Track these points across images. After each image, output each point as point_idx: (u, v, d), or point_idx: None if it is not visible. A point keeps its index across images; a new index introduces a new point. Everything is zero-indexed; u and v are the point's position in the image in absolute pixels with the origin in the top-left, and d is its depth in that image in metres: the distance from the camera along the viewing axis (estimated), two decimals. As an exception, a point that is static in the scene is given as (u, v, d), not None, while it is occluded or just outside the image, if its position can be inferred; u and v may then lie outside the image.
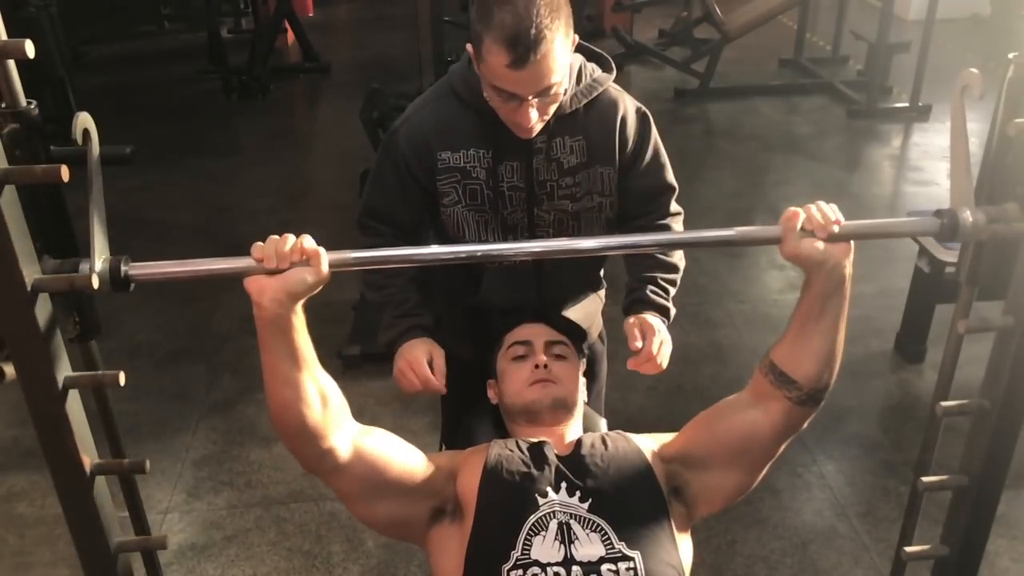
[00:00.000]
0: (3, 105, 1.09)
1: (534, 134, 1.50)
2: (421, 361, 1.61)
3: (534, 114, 1.43)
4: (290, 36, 6.79)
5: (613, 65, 1.63)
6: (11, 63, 1.08)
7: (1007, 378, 1.32)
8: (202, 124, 5.74)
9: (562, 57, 1.39)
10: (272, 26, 6.28)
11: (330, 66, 6.53)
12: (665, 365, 1.58)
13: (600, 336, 1.89)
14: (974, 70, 1.24)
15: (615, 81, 1.62)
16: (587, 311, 1.79)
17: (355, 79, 6.23)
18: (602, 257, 1.76)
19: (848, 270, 1.23)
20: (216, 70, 6.18)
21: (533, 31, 1.32)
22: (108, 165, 1.16)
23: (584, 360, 1.65)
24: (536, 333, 1.58)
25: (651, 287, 1.67)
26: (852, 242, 1.23)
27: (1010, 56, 1.25)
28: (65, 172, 1.02)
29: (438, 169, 1.58)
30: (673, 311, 1.68)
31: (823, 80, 5.98)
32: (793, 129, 5.49)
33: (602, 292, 1.85)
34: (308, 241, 1.14)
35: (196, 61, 6.47)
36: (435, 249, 1.36)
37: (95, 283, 1.08)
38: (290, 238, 1.14)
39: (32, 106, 1.11)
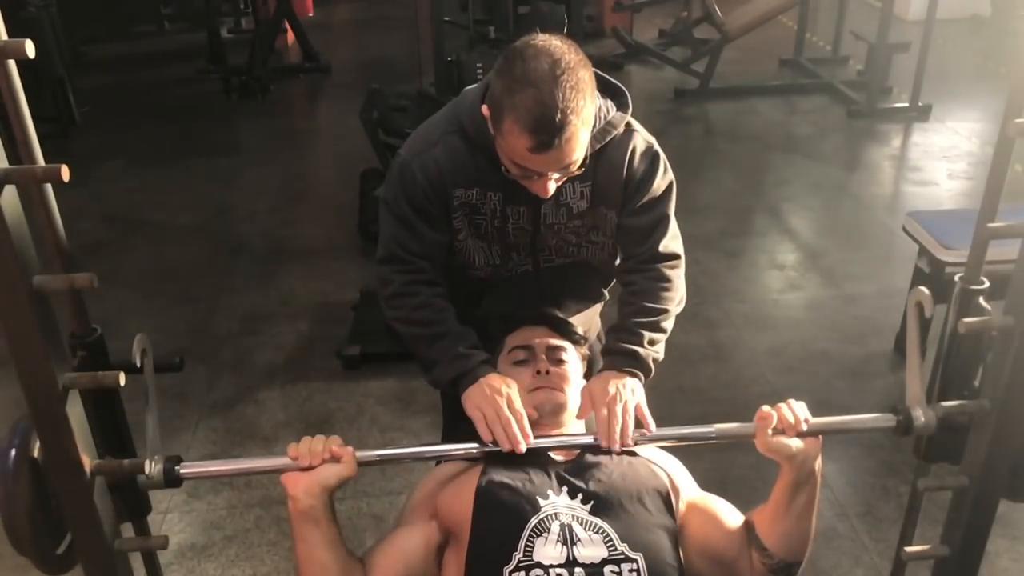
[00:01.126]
0: (71, 335, 1.30)
1: (550, 195, 1.46)
2: (511, 396, 1.44)
3: (552, 186, 1.41)
4: (290, 36, 6.79)
5: (629, 101, 1.55)
6: (11, 63, 1.08)
7: (1007, 378, 1.32)
8: (202, 124, 5.74)
9: (585, 136, 1.35)
10: (272, 26, 6.28)
11: (330, 66, 6.53)
12: (648, 424, 1.44)
13: (599, 337, 1.89)
14: (924, 289, 1.42)
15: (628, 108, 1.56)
16: (587, 314, 1.80)
17: (355, 79, 6.23)
18: (602, 271, 1.72)
19: (817, 464, 1.34)
20: (216, 70, 6.18)
21: (558, 116, 1.27)
22: (161, 372, 1.40)
23: (586, 363, 1.65)
24: (537, 337, 1.58)
25: (624, 335, 1.54)
26: (820, 438, 1.35)
27: (956, 279, 1.43)
28: (65, 172, 1.03)
29: (452, 206, 1.55)
30: (650, 356, 1.53)
31: (823, 80, 5.98)
32: (793, 129, 5.49)
33: (604, 292, 1.85)
34: (337, 442, 1.30)
35: (196, 61, 6.47)
36: (446, 447, 1.48)
37: (148, 475, 1.30)
38: (321, 439, 1.30)
39: (97, 334, 1.33)
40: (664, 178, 1.58)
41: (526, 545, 1.26)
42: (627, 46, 6.47)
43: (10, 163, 1.04)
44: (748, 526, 1.38)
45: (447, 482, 1.42)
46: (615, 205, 1.58)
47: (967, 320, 1.34)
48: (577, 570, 1.23)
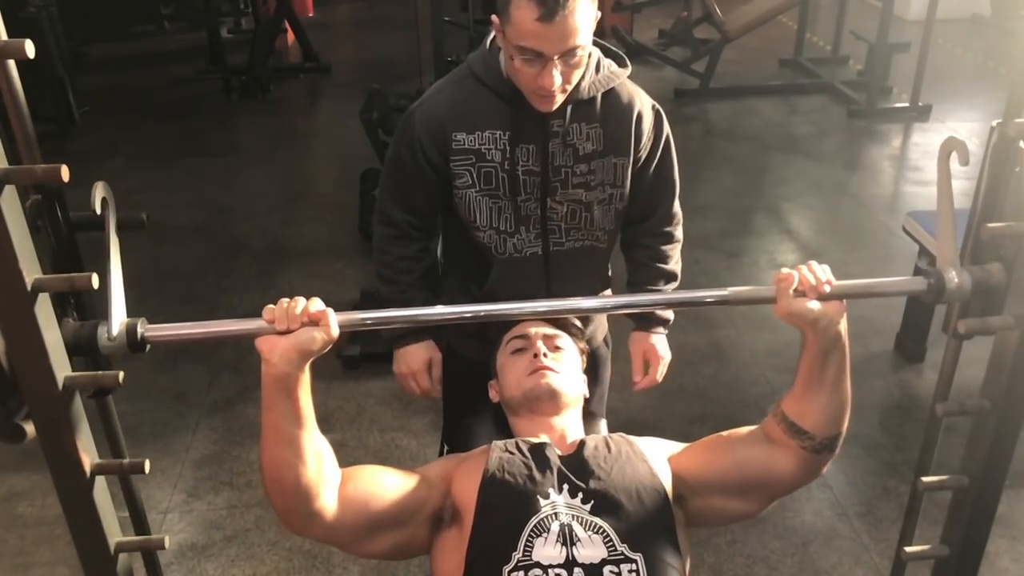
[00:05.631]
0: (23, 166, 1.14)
1: (555, 104, 1.51)
2: (421, 372, 1.78)
3: (557, 77, 1.43)
4: (290, 36, 6.79)
5: (628, 63, 1.65)
6: (11, 63, 1.08)
7: (1007, 378, 1.32)
8: (202, 124, 5.74)
9: (587, 18, 1.41)
10: (272, 26, 6.28)
11: (330, 66, 6.53)
12: (661, 378, 1.85)
13: (605, 340, 1.90)
14: (959, 137, 1.28)
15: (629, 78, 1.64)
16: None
17: (355, 79, 6.24)
18: (608, 251, 1.77)
19: (843, 327, 1.27)
20: (216, 70, 6.18)
21: None
22: (124, 230, 1.24)
23: (585, 357, 1.65)
24: (535, 328, 1.58)
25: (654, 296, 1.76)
26: (845, 301, 1.27)
27: (993, 123, 1.29)
28: (65, 172, 1.03)
29: (452, 151, 1.59)
30: (671, 314, 1.85)
31: (823, 80, 5.98)
32: (793, 129, 5.49)
33: (608, 292, 1.85)
34: (317, 303, 1.19)
35: (196, 61, 6.47)
36: (440, 309, 1.41)
37: (109, 337, 1.17)
38: (300, 300, 1.19)
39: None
40: (669, 133, 1.70)
41: (525, 545, 1.25)
42: (627, 46, 6.47)
43: (10, 163, 1.04)
44: (777, 417, 1.34)
45: (462, 461, 1.42)
46: (626, 153, 1.63)
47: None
48: (576, 570, 1.23)
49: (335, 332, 1.18)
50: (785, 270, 1.26)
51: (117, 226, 1.22)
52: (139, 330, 1.19)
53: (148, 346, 1.20)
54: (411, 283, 1.73)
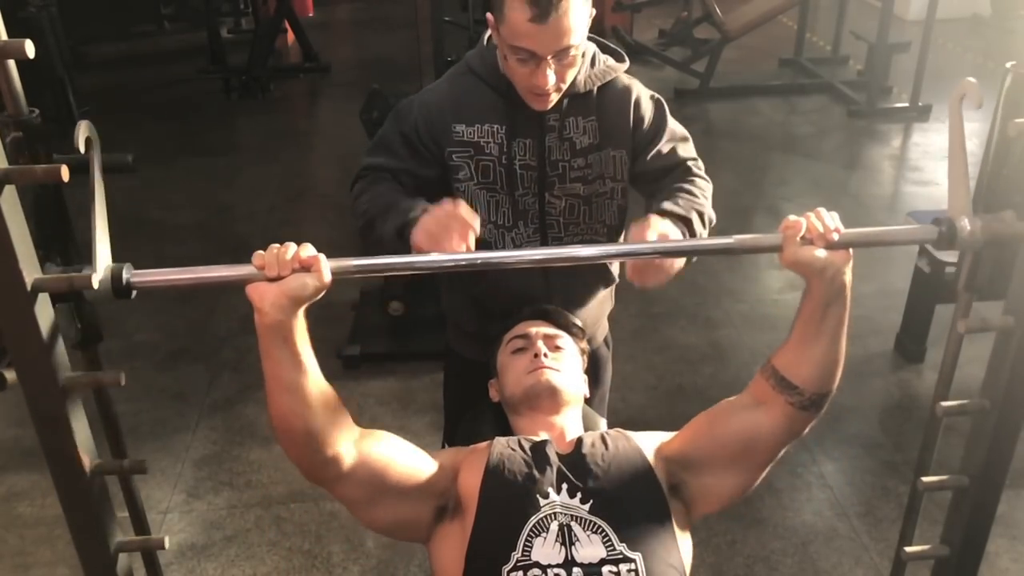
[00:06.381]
0: (6, 113, 1.11)
1: (550, 103, 1.51)
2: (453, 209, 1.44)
3: (551, 76, 1.44)
4: (290, 36, 6.78)
5: (626, 58, 1.65)
6: (11, 63, 1.08)
7: (1007, 378, 1.32)
8: (202, 124, 5.74)
9: (581, 18, 1.41)
10: (272, 26, 6.28)
11: (330, 66, 6.53)
12: (678, 267, 1.43)
13: (605, 340, 1.89)
14: (972, 79, 1.25)
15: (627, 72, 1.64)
16: (594, 314, 1.79)
17: (355, 79, 6.24)
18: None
19: (848, 277, 1.24)
20: (216, 70, 6.18)
21: None
22: (110, 172, 1.17)
23: (585, 358, 1.65)
24: (535, 327, 1.58)
25: (664, 199, 1.56)
26: (851, 250, 1.24)
27: (1008, 65, 1.26)
28: (65, 172, 1.03)
29: (452, 141, 1.59)
30: (688, 216, 1.52)
31: (823, 80, 5.98)
32: (793, 129, 5.49)
33: (611, 290, 1.83)
34: (308, 249, 1.15)
35: (196, 61, 6.47)
36: (434, 257, 1.34)
37: (95, 284, 1.09)
38: (291, 246, 1.15)
39: (35, 114, 1.13)
40: (671, 120, 1.67)
41: (524, 545, 1.25)
42: (627, 46, 6.47)
43: (10, 163, 1.04)
44: (767, 372, 1.32)
45: (469, 452, 1.42)
46: (624, 145, 1.62)
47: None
48: (575, 570, 1.23)
49: (327, 278, 1.15)
50: (792, 217, 1.23)
51: (102, 168, 1.16)
52: (124, 275, 1.14)
53: (134, 292, 1.15)
54: (399, 194, 1.57)
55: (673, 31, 6.90)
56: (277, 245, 1.16)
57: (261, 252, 1.15)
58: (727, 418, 1.37)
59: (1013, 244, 1.25)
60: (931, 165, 4.81)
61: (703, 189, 1.63)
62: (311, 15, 7.84)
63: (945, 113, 6.05)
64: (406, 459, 1.33)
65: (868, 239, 1.28)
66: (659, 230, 1.42)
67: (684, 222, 1.52)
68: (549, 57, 1.42)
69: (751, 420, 1.34)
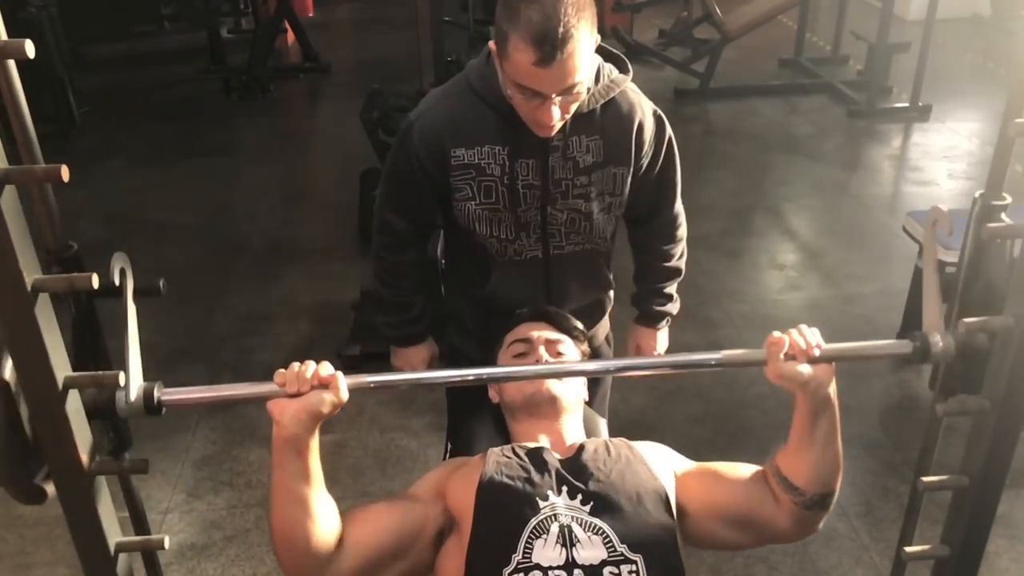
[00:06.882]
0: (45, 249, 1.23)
1: (554, 132, 1.50)
2: (422, 370, 1.84)
3: (556, 112, 1.43)
4: (290, 36, 6.78)
5: (630, 67, 1.64)
6: (11, 63, 1.08)
7: (1007, 378, 1.32)
8: (202, 124, 5.74)
9: (587, 56, 1.40)
10: (272, 26, 6.28)
11: (330, 66, 6.53)
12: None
13: (607, 339, 1.90)
14: (943, 207, 1.34)
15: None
16: (594, 314, 1.80)
17: (355, 79, 6.23)
18: (608, 254, 1.77)
19: (832, 390, 1.30)
20: (216, 70, 6.18)
21: (560, 29, 1.33)
22: (140, 296, 1.29)
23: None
24: (537, 331, 1.58)
25: (657, 300, 1.87)
26: (834, 364, 1.30)
27: (976, 195, 1.33)
28: (65, 172, 1.02)
29: (451, 167, 1.58)
30: (676, 309, 1.92)
31: (823, 80, 5.98)
32: (793, 129, 5.49)
33: (611, 293, 1.85)
34: (327, 368, 1.23)
35: (196, 61, 6.47)
36: (447, 372, 1.57)
37: (129, 400, 1.19)
38: (311, 364, 1.23)
39: (74, 248, 1.29)
40: (672, 141, 1.72)
41: (525, 547, 1.25)
42: (627, 46, 6.46)
43: (10, 163, 1.04)
44: (772, 469, 1.35)
45: (456, 468, 1.42)
46: (626, 162, 1.63)
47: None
48: (576, 572, 1.22)
49: (344, 395, 1.22)
50: (776, 334, 1.29)
51: (134, 294, 1.27)
52: (156, 394, 1.22)
53: (164, 409, 1.23)
54: (409, 288, 1.79)
55: (673, 31, 6.90)
56: (298, 364, 1.22)
57: (282, 370, 1.22)
58: (753, 487, 1.38)
59: (984, 353, 1.33)
60: (931, 165, 4.81)
61: (682, 252, 1.87)
62: (311, 15, 7.84)
63: (945, 113, 6.05)
64: (391, 524, 1.33)
65: (848, 354, 1.36)
66: (660, 350, 1.91)
67: (667, 318, 1.91)
68: (554, 95, 1.40)
69: (768, 513, 1.35)
